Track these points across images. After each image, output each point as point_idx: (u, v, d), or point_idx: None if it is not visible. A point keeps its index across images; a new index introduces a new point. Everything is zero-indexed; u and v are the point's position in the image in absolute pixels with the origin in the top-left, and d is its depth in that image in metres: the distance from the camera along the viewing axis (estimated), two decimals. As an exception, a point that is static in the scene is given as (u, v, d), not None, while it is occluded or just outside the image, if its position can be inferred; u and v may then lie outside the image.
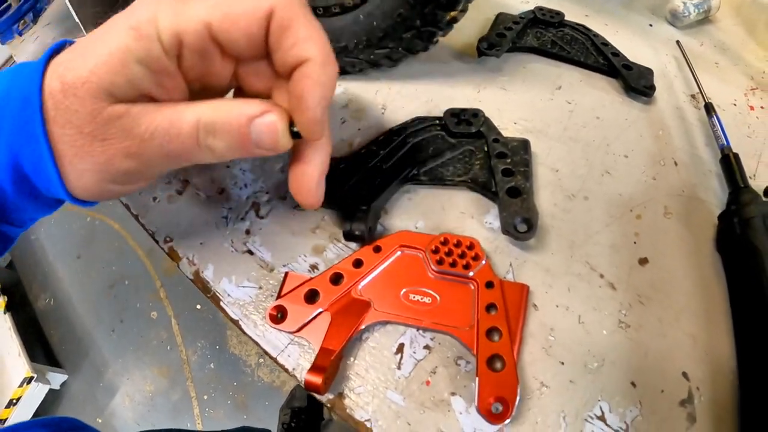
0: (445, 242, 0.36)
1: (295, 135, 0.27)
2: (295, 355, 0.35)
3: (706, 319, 0.35)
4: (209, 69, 0.28)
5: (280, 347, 0.35)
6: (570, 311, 0.35)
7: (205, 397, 1.45)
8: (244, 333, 0.36)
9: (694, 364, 0.33)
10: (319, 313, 0.34)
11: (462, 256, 0.35)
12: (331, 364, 0.32)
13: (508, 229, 0.36)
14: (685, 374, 0.33)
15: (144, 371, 1.50)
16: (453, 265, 0.35)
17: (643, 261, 0.37)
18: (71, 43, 0.27)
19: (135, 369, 1.51)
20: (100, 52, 0.24)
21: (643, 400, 0.32)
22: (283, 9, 0.25)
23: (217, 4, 0.25)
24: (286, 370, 0.34)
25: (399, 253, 0.36)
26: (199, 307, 1.52)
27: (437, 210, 0.40)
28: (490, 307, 0.33)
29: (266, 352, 0.35)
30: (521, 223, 0.36)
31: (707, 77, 0.48)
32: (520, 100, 0.47)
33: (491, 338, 0.32)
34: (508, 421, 0.31)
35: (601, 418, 0.32)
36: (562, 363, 0.33)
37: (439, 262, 0.35)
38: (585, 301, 0.35)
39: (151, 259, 1.60)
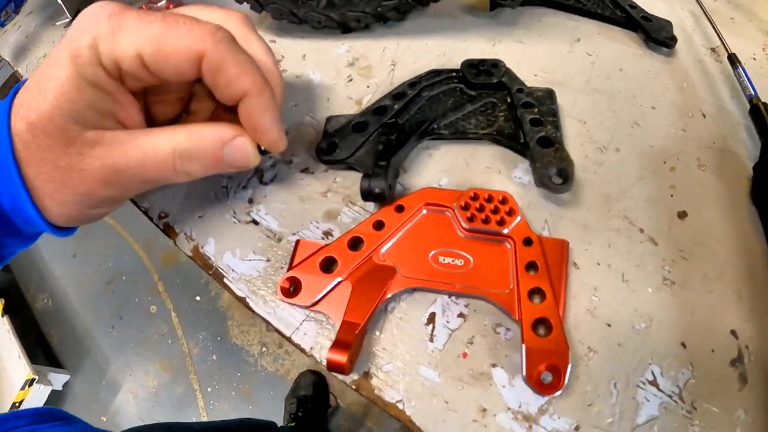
0: (474, 197, 0.31)
1: (263, 152, 0.29)
2: (312, 332, 0.30)
3: (748, 274, 0.31)
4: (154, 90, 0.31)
5: (294, 324, 0.30)
6: (612, 269, 0.31)
7: (209, 389, 1.40)
8: (253, 311, 0.31)
9: (742, 321, 0.30)
10: (338, 283, 0.30)
11: (495, 211, 0.31)
12: (355, 340, 0.27)
13: (544, 181, 0.31)
14: (733, 332, 0.29)
15: (146, 366, 1.45)
16: (486, 221, 0.30)
17: (682, 214, 0.33)
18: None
19: (137, 365, 1.46)
20: (54, 84, 0.24)
21: (695, 362, 0.29)
22: (212, 53, 0.25)
23: (152, 37, 0.24)
24: (303, 351, 0.30)
25: (424, 212, 0.32)
26: (198, 298, 1.46)
27: (461, 166, 0.35)
28: (529, 266, 0.29)
29: (279, 331, 0.30)
30: (556, 175, 0.32)
31: (724, 32, 0.44)
32: (538, 53, 0.43)
33: (533, 300, 0.28)
34: (559, 392, 0.26)
35: (653, 383, 0.28)
36: (609, 325, 0.29)
37: (470, 219, 0.30)
38: (627, 258, 0.31)
39: (147, 252, 1.54)
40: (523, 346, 0.26)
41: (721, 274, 0.31)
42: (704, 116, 0.39)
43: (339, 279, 0.29)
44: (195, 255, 0.34)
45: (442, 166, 0.35)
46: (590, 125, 0.37)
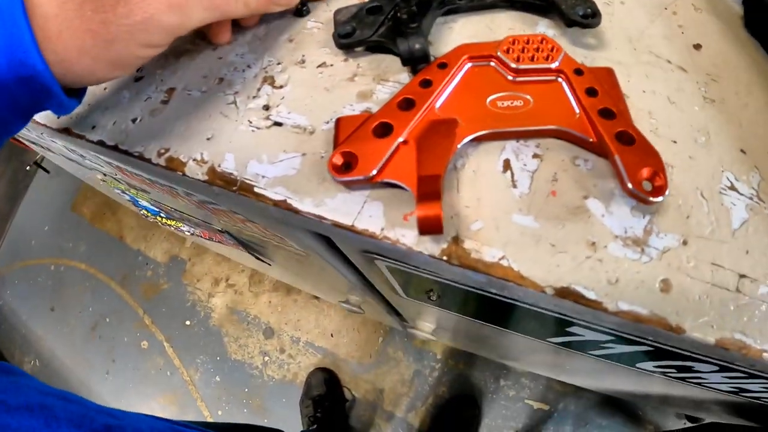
0: (515, 43, 0.28)
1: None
2: (378, 212, 0.25)
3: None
4: None
5: (354, 210, 0.26)
6: (657, 94, 0.30)
7: (220, 412, 1.30)
8: (298, 212, 0.26)
9: None
10: (399, 145, 0.25)
11: (538, 50, 0.27)
12: (441, 190, 0.23)
13: (573, 19, 0.30)
14: None
15: (150, 404, 1.34)
16: (533, 59, 0.27)
17: (697, 46, 0.34)
18: None
19: (141, 404, 1.34)
20: None
21: (758, 165, 0.29)
22: None
23: None
24: (373, 236, 0.25)
25: (469, 65, 0.28)
26: (188, 323, 1.36)
27: (485, 32, 0.32)
28: (589, 91, 0.27)
29: (337, 224, 0.26)
30: (583, 14, 0.30)
31: None
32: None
33: (607, 118, 0.25)
34: (667, 193, 0.23)
35: (732, 188, 0.27)
36: (675, 141, 0.28)
37: (518, 60, 0.27)
38: (666, 84, 0.31)
39: (126, 288, 1.42)
40: (616, 156, 0.24)
41: (749, 91, 0.32)
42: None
43: (399, 140, 0.25)
44: (212, 177, 0.29)
45: (465, 36, 0.32)
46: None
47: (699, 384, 0.42)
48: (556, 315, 0.31)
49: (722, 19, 0.35)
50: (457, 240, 0.24)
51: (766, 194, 0.27)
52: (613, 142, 0.24)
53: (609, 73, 0.29)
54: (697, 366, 0.34)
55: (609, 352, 0.39)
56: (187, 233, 0.95)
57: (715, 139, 0.29)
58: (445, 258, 0.24)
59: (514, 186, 0.25)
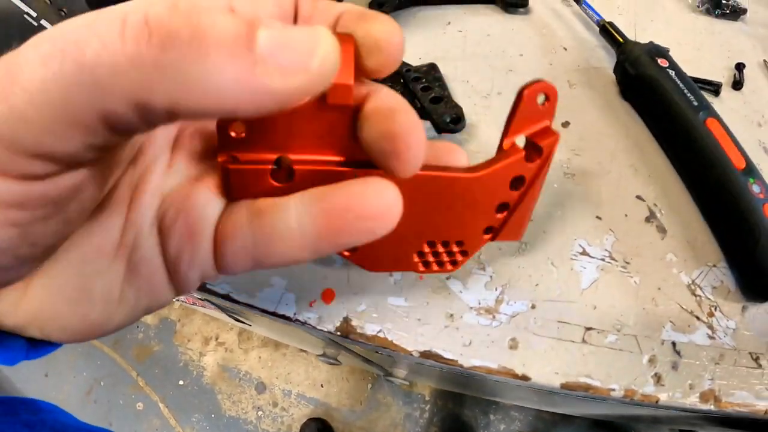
0: None
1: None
2: (291, 300, 0.34)
3: (637, 150, 0.39)
4: None
5: (276, 298, 0.34)
6: None
7: (218, 470, 1.35)
8: (237, 303, 0.35)
9: (643, 187, 0.37)
10: None
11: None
12: None
13: (442, 126, 0.37)
14: (639, 197, 0.36)
15: (148, 466, 1.39)
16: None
17: (565, 124, 0.41)
18: None
19: (138, 467, 1.39)
20: None
21: (613, 227, 0.35)
22: None
23: None
24: (289, 319, 0.33)
25: None
26: (182, 382, 1.43)
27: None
28: None
29: (264, 310, 0.34)
30: (450, 120, 0.38)
31: None
32: (417, 41, 0.50)
33: None
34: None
35: (584, 253, 0.34)
36: (531, 220, 0.35)
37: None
38: None
39: (118, 351, 1.49)
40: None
41: (613, 157, 0.38)
42: (565, 49, 0.47)
43: None
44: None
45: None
46: (473, 82, 0.44)
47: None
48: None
49: (596, 90, 0.43)
50: (346, 320, 0.32)
51: (619, 253, 0.34)
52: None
53: None
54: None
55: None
56: (174, 300, 1.03)
57: (570, 212, 0.36)
58: (339, 333, 0.32)
59: (390, 275, 0.33)
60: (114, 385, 1.46)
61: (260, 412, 1.37)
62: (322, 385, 1.36)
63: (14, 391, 1.47)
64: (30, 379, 1.52)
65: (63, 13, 0.51)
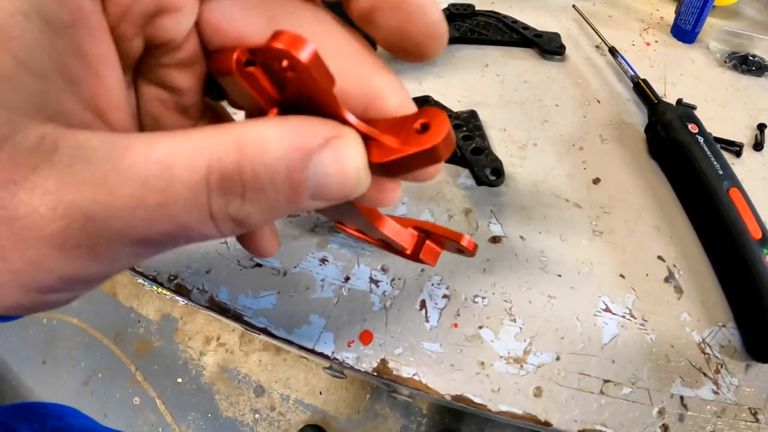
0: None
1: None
2: (330, 339, 0.37)
3: (661, 211, 0.42)
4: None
5: (314, 337, 0.37)
6: (551, 233, 0.41)
7: (211, 469, 1.39)
8: (275, 337, 0.38)
9: (665, 247, 0.40)
10: None
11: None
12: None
13: (482, 179, 0.40)
14: (660, 257, 0.39)
15: (141, 461, 1.42)
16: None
17: (596, 181, 0.44)
18: None
19: (131, 461, 1.43)
20: None
21: (635, 286, 0.38)
22: None
23: None
24: (327, 357, 0.36)
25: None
26: (180, 380, 1.46)
27: (416, 184, 0.44)
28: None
29: (303, 347, 0.37)
30: (491, 174, 0.41)
31: (605, 29, 0.56)
32: (457, 82, 0.53)
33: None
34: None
35: (607, 310, 0.37)
36: (559, 275, 0.39)
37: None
38: (560, 223, 0.41)
39: (119, 345, 1.52)
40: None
41: (639, 216, 0.41)
42: (599, 102, 0.50)
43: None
44: (211, 304, 0.40)
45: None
46: (510, 131, 0.47)
47: None
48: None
49: (626, 147, 0.46)
50: (384, 361, 0.35)
51: (638, 311, 0.37)
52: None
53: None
54: None
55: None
56: (181, 302, 1.06)
57: (596, 269, 0.39)
58: (375, 374, 0.35)
59: (427, 320, 0.36)
60: (112, 377, 1.49)
61: (257, 415, 1.40)
62: (320, 393, 1.39)
63: (11, 376, 1.48)
64: (28, 366, 1.54)
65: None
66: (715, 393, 0.35)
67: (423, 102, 0.47)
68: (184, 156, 0.13)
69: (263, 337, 0.39)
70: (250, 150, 0.13)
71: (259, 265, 0.41)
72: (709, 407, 0.34)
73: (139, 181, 0.12)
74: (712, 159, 0.40)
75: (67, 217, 0.12)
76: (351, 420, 1.35)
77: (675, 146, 0.42)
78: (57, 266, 0.13)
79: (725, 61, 0.56)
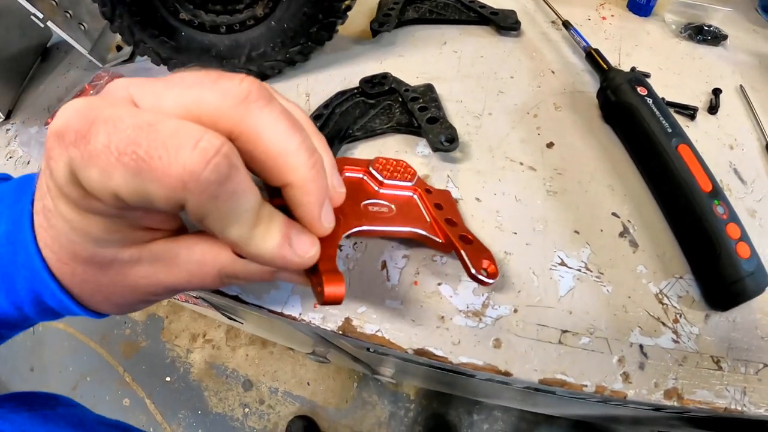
0: (383, 163, 0.39)
1: None
2: (297, 302, 0.38)
3: (615, 171, 0.43)
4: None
5: (282, 300, 0.38)
6: (506, 195, 0.42)
7: (204, 467, 1.39)
8: (246, 303, 0.39)
9: (619, 205, 0.41)
10: None
11: (399, 171, 0.39)
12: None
13: (437, 146, 0.42)
14: (614, 214, 0.41)
15: (133, 463, 1.41)
16: (395, 177, 0.38)
17: (550, 145, 0.45)
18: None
19: (123, 464, 1.41)
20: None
21: (590, 241, 0.39)
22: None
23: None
24: (295, 319, 0.37)
25: (345, 174, 0.38)
26: (168, 379, 1.46)
27: (375, 155, 0.45)
28: (436, 205, 0.38)
29: (271, 311, 0.38)
30: (445, 140, 0.42)
31: (561, 5, 0.57)
32: (416, 60, 0.54)
33: (451, 225, 0.37)
34: (498, 277, 0.35)
35: (562, 264, 0.38)
36: (515, 233, 0.40)
37: (384, 175, 0.38)
38: (515, 185, 0.43)
39: (105, 347, 1.52)
40: (462, 252, 0.34)
41: (592, 177, 0.43)
42: (553, 72, 0.52)
43: None
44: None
45: (364, 157, 0.45)
46: (466, 102, 0.49)
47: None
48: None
49: (579, 113, 0.47)
50: (348, 320, 0.36)
51: (594, 264, 0.38)
52: (458, 242, 0.35)
53: (447, 194, 0.41)
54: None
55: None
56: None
57: (551, 226, 0.40)
58: (340, 332, 0.36)
59: (388, 280, 0.38)
60: (101, 380, 1.48)
61: (247, 410, 1.41)
62: (308, 384, 1.40)
63: (1, 386, 1.46)
64: (16, 374, 1.54)
65: (68, 15, 0.54)
66: (675, 342, 0.36)
67: (383, 78, 0.49)
68: (208, 257, 0.23)
69: (235, 305, 0.40)
70: (240, 262, 0.24)
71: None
72: (669, 355, 0.35)
73: (187, 271, 0.24)
74: (661, 118, 0.41)
75: (153, 285, 0.24)
76: (340, 409, 1.36)
77: (624, 108, 0.43)
78: (147, 300, 0.27)
79: (681, 32, 0.56)
